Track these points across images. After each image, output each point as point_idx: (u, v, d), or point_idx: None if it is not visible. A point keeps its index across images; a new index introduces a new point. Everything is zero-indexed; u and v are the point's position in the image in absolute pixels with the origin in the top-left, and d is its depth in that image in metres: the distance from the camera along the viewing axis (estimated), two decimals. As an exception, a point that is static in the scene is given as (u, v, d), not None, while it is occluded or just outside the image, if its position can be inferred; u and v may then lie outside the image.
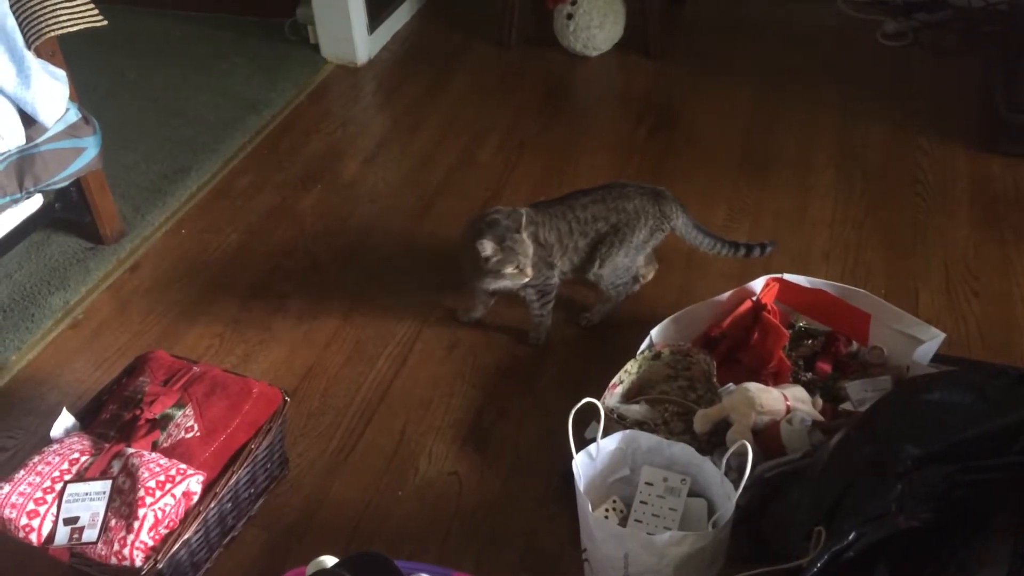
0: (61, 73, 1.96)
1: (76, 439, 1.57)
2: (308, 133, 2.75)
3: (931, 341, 1.74)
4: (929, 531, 1.19)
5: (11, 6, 1.85)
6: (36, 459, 1.52)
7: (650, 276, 2.11)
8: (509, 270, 1.81)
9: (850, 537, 1.19)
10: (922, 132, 2.58)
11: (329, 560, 1.29)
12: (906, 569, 1.19)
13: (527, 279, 1.84)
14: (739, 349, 1.84)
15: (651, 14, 2.95)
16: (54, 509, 1.46)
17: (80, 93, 2.11)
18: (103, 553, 1.44)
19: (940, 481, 1.20)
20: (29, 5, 1.85)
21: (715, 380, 1.72)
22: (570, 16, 2.96)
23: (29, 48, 1.87)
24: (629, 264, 1.96)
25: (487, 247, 1.78)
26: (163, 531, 1.46)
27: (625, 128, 2.70)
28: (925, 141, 2.54)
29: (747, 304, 1.84)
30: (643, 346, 1.80)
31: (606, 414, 1.51)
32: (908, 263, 2.16)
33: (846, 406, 1.70)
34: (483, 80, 2.98)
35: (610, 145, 2.63)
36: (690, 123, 2.70)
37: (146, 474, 1.47)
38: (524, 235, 1.81)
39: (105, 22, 1.95)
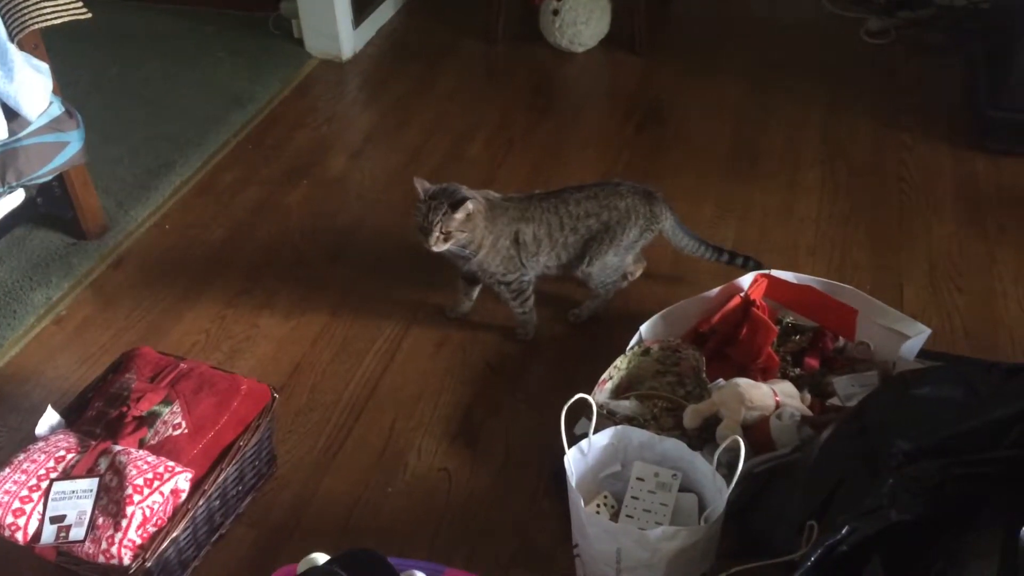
0: (44, 66, 1.93)
1: (62, 437, 1.55)
2: (293, 128, 2.73)
3: (917, 337, 1.75)
4: (921, 525, 1.20)
5: (-7, -2, 1.83)
6: (21, 457, 1.50)
7: (638, 273, 2.11)
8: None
9: (843, 531, 1.19)
10: (906, 129, 2.59)
11: (321, 557, 1.28)
12: (899, 562, 1.20)
13: (437, 250, 1.82)
14: (728, 345, 1.85)
15: (637, 10, 2.96)
16: (40, 507, 1.45)
17: (63, 87, 2.09)
18: (90, 551, 1.42)
19: (931, 475, 1.21)
20: (12, -3, 1.83)
21: (704, 376, 1.73)
22: (556, 12, 2.96)
23: (12, 41, 1.84)
24: (618, 263, 1.96)
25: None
26: (151, 529, 1.45)
27: (613, 124, 2.70)
28: (909, 138, 2.56)
29: (736, 300, 1.84)
30: (632, 342, 1.80)
31: (597, 410, 1.51)
32: (893, 259, 2.17)
33: (833, 401, 1.71)
34: (470, 76, 2.97)
35: (598, 141, 2.63)
36: (677, 120, 2.71)
37: (133, 472, 1.45)
38: (458, 214, 1.78)
39: (89, 15, 1.92)
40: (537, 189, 1.99)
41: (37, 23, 1.85)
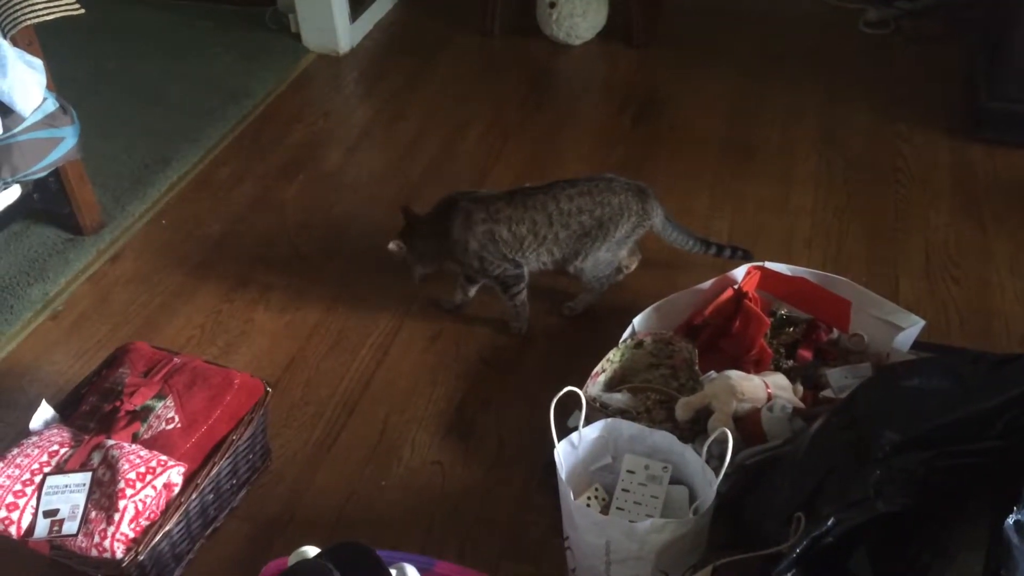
0: (38, 62, 1.94)
1: (56, 431, 1.56)
2: (290, 123, 2.73)
3: (911, 328, 1.75)
4: (908, 516, 1.20)
5: (-14, -5, 1.83)
6: (15, 451, 1.51)
7: (633, 266, 2.11)
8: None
9: (829, 522, 1.20)
10: (903, 120, 2.59)
11: (311, 551, 1.29)
12: (885, 553, 1.20)
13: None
14: (721, 337, 1.84)
15: (634, 2, 2.95)
16: (33, 501, 1.46)
17: (58, 83, 2.09)
18: (83, 545, 1.43)
19: (918, 466, 1.21)
20: (4, -7, 1.83)
21: (697, 368, 1.73)
22: (553, 4, 2.95)
23: (5, 37, 1.85)
24: (610, 259, 1.96)
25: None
26: (144, 523, 1.45)
27: (608, 117, 2.70)
28: (906, 129, 2.56)
29: (729, 292, 1.84)
30: (625, 335, 1.80)
31: (588, 403, 1.51)
32: (889, 250, 2.17)
33: (826, 393, 1.71)
34: (466, 69, 2.97)
35: (594, 134, 2.63)
36: (673, 112, 2.70)
37: (126, 466, 1.46)
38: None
39: (82, 10, 1.93)
40: (527, 183, 1.99)
41: (30, 19, 1.85)
